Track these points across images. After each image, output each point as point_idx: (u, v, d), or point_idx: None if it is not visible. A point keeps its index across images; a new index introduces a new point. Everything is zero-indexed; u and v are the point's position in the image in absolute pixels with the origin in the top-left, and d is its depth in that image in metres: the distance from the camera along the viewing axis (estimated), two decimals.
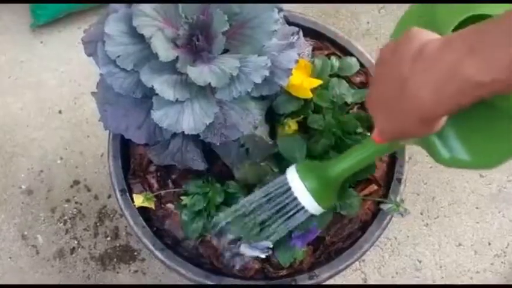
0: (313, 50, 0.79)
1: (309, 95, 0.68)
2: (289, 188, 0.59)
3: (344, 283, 1.04)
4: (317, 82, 0.69)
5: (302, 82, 0.67)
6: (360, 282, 1.04)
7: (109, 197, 1.09)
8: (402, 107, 0.40)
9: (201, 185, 0.71)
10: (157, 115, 0.56)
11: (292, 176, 0.59)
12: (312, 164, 0.63)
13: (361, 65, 0.79)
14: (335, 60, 0.75)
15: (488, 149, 0.47)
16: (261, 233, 0.67)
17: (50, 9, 1.17)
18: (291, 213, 0.61)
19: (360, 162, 0.58)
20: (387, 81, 0.42)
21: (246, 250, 0.68)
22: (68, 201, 1.10)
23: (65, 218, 1.08)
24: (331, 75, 0.74)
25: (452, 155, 0.47)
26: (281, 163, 0.72)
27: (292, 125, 0.69)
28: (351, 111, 0.75)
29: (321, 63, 0.73)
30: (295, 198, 0.59)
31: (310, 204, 0.59)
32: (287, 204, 0.61)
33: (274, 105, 0.69)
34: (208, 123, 0.57)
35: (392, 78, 0.41)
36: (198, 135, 0.60)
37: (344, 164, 0.59)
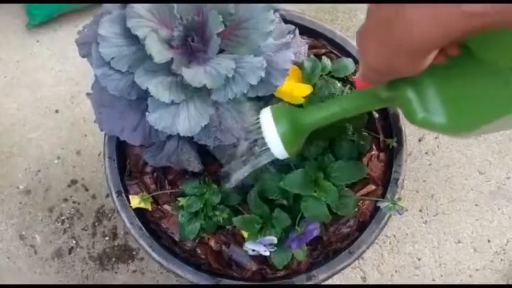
0: (309, 48, 0.78)
1: (300, 100, 0.67)
2: (260, 128, 0.58)
3: (343, 281, 1.03)
4: (308, 89, 0.68)
5: (292, 89, 0.65)
6: (359, 280, 1.04)
7: (107, 196, 1.09)
8: (394, 35, 0.39)
9: (197, 186, 0.70)
10: (152, 117, 0.55)
11: (265, 116, 0.57)
12: (287, 108, 0.61)
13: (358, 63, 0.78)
14: (326, 61, 0.74)
15: (467, 111, 0.45)
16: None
17: (46, 8, 1.16)
18: (259, 151, 0.59)
19: (336, 115, 0.56)
20: (381, 10, 0.40)
21: (251, 246, 0.68)
22: (65, 200, 1.09)
23: (63, 217, 1.08)
24: (326, 75, 0.73)
25: (425, 115, 0.46)
26: (277, 163, 0.72)
27: None
28: None
29: (310, 65, 0.72)
30: (263, 139, 0.57)
31: (276, 147, 0.57)
32: (257, 142, 0.59)
33: None
34: (203, 125, 0.56)
35: (385, 8, 0.39)
36: (193, 137, 0.60)
37: (319, 114, 0.57)
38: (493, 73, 0.43)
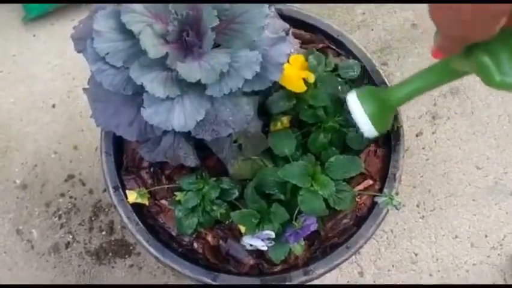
0: (307, 43, 0.77)
1: (303, 88, 0.67)
2: (348, 111, 0.63)
3: (340, 276, 1.04)
4: (311, 76, 0.68)
5: (296, 74, 0.66)
6: (356, 275, 1.04)
7: (104, 191, 1.08)
8: (467, 4, 0.41)
9: (194, 181, 0.70)
10: (147, 113, 0.55)
11: (352, 99, 0.63)
12: (371, 89, 0.66)
13: (356, 58, 0.78)
14: (332, 57, 0.74)
15: None
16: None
17: (42, 2, 1.16)
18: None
19: (418, 90, 0.62)
20: None
21: (248, 240, 0.68)
22: (62, 195, 1.09)
23: (60, 212, 1.08)
24: (331, 72, 0.73)
25: (502, 77, 0.50)
26: (275, 157, 0.72)
27: (284, 121, 0.69)
28: None
29: (316, 58, 0.72)
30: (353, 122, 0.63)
31: (367, 127, 0.63)
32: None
33: (267, 105, 0.68)
34: (199, 120, 0.56)
35: None
36: (189, 132, 0.59)
37: (402, 91, 0.62)
38: None
